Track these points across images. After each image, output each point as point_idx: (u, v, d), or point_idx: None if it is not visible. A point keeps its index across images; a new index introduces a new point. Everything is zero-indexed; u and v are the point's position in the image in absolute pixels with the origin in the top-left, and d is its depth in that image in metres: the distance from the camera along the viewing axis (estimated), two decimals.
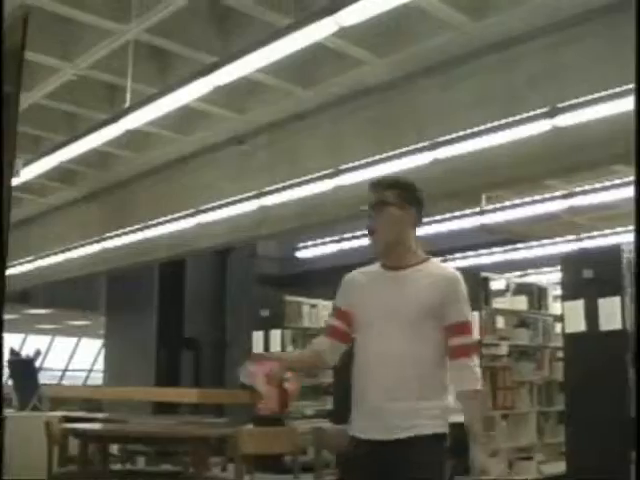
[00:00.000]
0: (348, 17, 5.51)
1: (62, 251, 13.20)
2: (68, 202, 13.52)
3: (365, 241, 12.98)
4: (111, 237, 12.13)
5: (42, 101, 9.48)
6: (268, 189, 9.56)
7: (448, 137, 7.62)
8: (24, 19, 3.32)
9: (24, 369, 10.02)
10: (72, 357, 30.19)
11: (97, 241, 12.38)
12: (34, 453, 6.64)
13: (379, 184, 3.24)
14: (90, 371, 29.40)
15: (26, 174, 9.19)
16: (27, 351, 12.09)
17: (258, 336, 10.88)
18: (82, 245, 12.74)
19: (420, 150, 7.85)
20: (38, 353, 10.75)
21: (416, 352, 3.08)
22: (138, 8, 7.28)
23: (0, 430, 3.38)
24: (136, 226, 11.60)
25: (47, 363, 27.24)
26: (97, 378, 25.75)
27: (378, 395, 3.09)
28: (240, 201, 9.99)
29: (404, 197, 3.19)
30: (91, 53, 8.33)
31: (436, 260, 3.29)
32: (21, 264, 13.88)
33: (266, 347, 10.71)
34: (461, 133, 7.50)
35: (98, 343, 25.62)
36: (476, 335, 3.25)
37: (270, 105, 9.30)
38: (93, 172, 12.08)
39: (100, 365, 24.72)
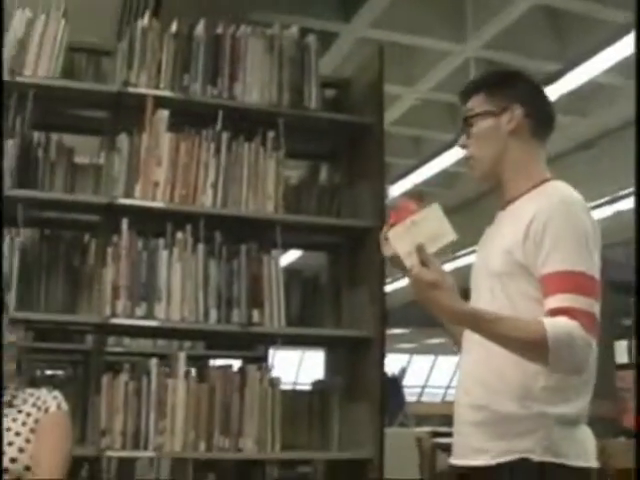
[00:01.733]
0: None
1: None
2: None
3: None
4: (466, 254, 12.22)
5: (388, 129, 9.84)
6: (622, 193, 9.20)
7: None
8: (380, 53, 3.50)
9: (391, 387, 10.38)
10: (430, 374, 30.79)
11: (451, 260, 12.49)
12: (404, 467, 6.84)
13: (464, 91, 2.28)
14: (447, 388, 29.81)
15: None
16: (390, 370, 12.52)
17: (621, 345, 10.47)
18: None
19: None
20: (403, 371, 11.12)
21: None
22: (473, 25, 7.37)
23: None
24: None
25: (406, 381, 28.03)
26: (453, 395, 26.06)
27: (459, 399, 2.18)
28: (593, 208, 9.71)
29: (498, 97, 2.18)
30: (431, 76, 8.55)
31: (560, 184, 2.15)
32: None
33: (630, 357, 10.30)
34: None
35: (454, 360, 25.96)
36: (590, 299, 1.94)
37: (614, 106, 8.99)
38: (442, 191, 12.30)
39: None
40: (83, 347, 5.09)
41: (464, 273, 2.39)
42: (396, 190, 9.55)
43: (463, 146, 2.24)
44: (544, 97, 2.26)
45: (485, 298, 2.10)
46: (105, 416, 3.22)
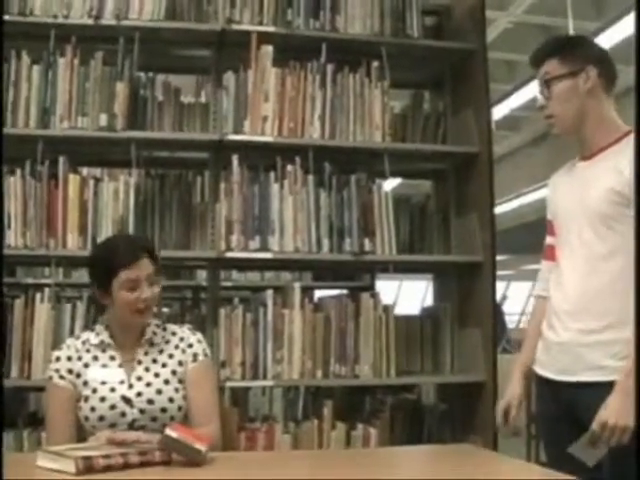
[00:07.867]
0: None
1: (516, 197, 13.35)
2: (516, 148, 13.70)
3: None
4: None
5: None
6: None
7: None
8: None
9: None
10: (528, 301, 30.61)
11: (545, 185, 12.33)
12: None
13: (535, 57, 2.45)
14: None
15: None
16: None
17: None
18: (534, 190, 12.78)
19: None
20: (504, 298, 11.10)
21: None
22: None
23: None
24: None
25: (505, 308, 27.85)
26: None
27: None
28: None
29: (571, 61, 2.36)
30: None
31: None
32: None
33: None
34: None
35: None
36: None
37: None
38: (536, 116, 12.09)
39: None
40: (191, 283, 5.23)
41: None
42: (497, 112, 9.46)
43: (542, 107, 2.42)
44: (609, 57, 2.44)
45: (586, 234, 2.33)
46: (224, 348, 3.32)
